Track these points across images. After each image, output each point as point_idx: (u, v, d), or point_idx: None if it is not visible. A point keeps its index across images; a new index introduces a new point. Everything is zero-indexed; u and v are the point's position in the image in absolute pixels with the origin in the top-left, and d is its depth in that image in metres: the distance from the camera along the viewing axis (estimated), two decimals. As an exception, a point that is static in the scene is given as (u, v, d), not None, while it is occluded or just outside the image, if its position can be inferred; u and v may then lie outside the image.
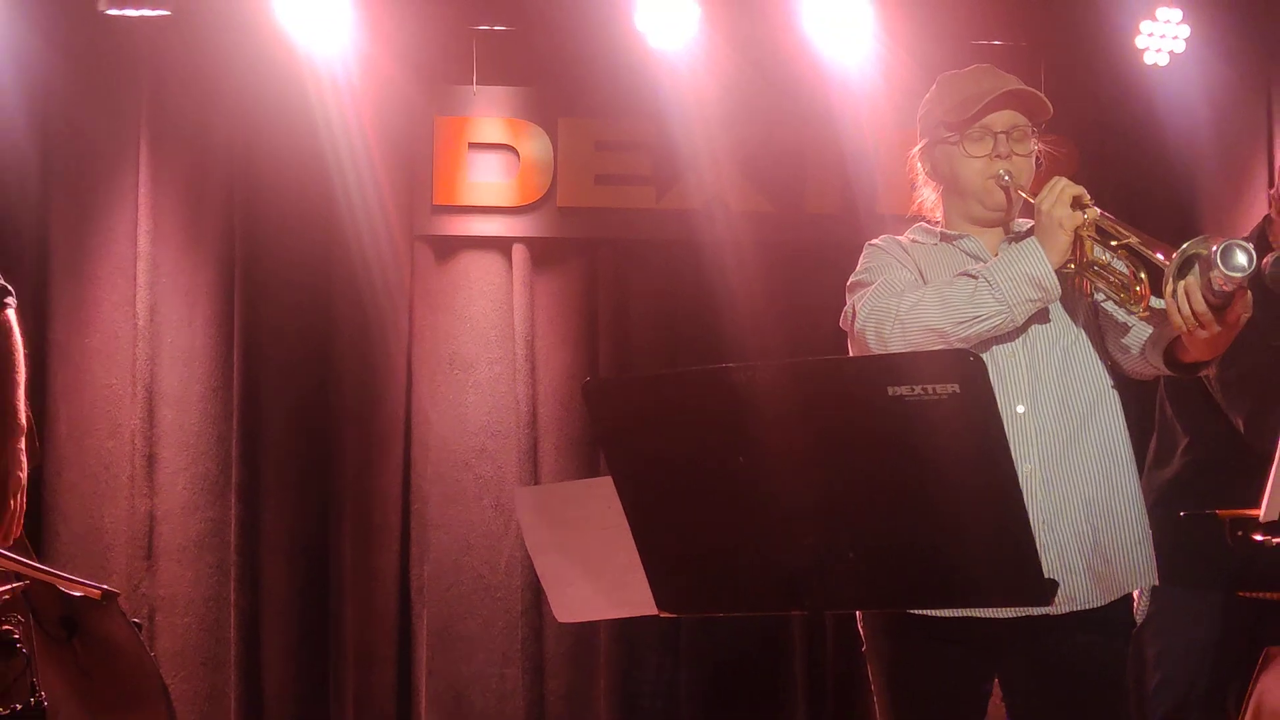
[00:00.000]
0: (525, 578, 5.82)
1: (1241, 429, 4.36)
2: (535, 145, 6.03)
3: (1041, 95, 3.67)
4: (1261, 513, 3.74)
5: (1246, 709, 4.41)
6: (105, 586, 4.32)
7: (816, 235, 5.96)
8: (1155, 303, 3.39)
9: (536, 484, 5.81)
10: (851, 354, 3.66)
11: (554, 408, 6.01)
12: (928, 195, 3.81)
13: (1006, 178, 3.61)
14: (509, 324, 6.02)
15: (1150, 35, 5.88)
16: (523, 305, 6.02)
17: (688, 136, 5.97)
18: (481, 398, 6.00)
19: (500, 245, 6.06)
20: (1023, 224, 3.67)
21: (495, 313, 6.05)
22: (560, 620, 4.15)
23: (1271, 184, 4.63)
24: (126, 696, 4.18)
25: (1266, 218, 4.59)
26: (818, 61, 5.85)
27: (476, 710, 5.89)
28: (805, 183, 6.11)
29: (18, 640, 3.95)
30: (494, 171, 6.05)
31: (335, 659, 5.84)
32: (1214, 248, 3.21)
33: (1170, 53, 5.90)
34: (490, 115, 6.05)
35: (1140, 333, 3.55)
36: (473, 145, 6.04)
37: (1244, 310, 3.32)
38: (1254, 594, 4.51)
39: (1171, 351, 3.51)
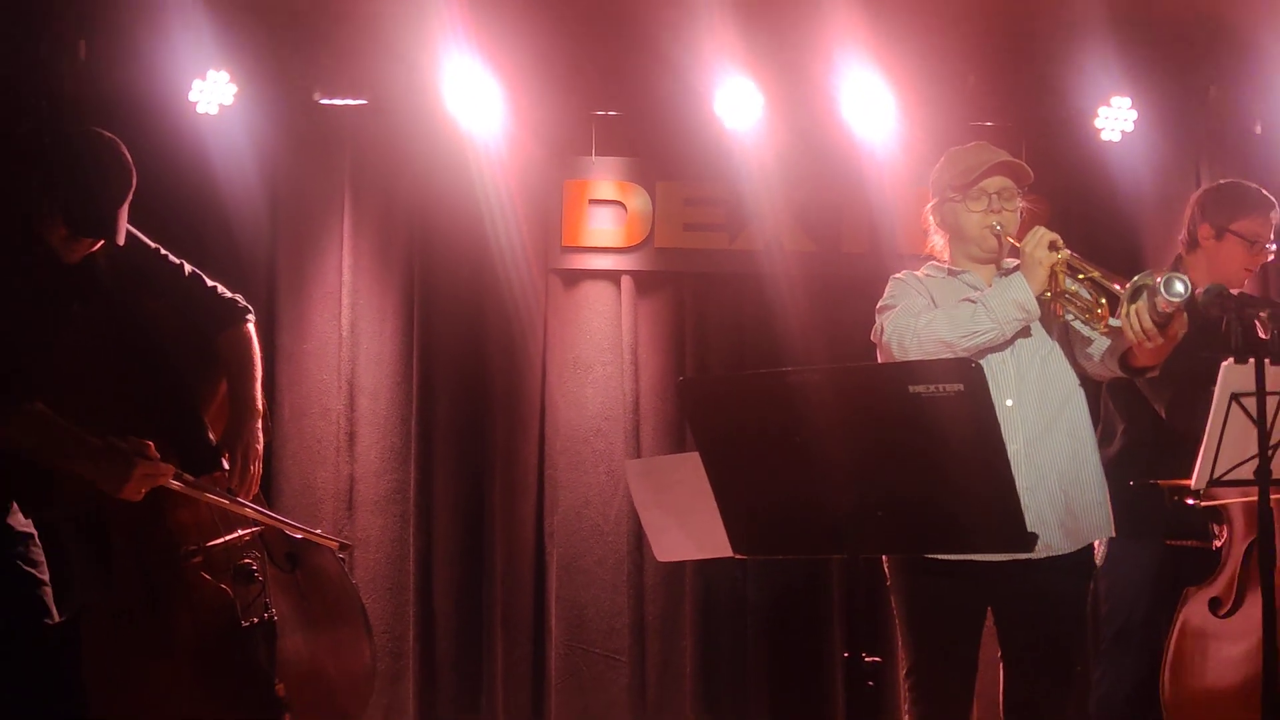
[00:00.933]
0: (630, 526, 5.82)
1: (1164, 414, 4.35)
2: (639, 201, 6.03)
3: (1024, 165, 3.68)
4: (1192, 482, 3.73)
5: (1173, 630, 4.38)
6: (342, 540, 4.38)
7: (850, 269, 5.94)
8: (1113, 322, 3.39)
9: (640, 457, 5.81)
10: (879, 361, 3.66)
11: (652, 399, 6.01)
12: (937, 240, 3.82)
13: (998, 227, 3.62)
14: (618, 335, 6.02)
15: (1106, 118, 5.83)
16: (628, 322, 6.02)
17: (753, 194, 5.96)
18: (597, 391, 6.00)
19: (612, 277, 6.06)
20: (1010, 263, 3.67)
21: (608, 327, 6.05)
22: (659, 559, 4.17)
23: (1182, 232, 4.63)
24: (334, 614, 4.20)
25: (1177, 255, 4.60)
26: (852, 137, 5.84)
27: (592, 626, 5.90)
28: (842, 229, 6.08)
29: (255, 570, 3.98)
30: (608, 221, 6.05)
31: (488, 586, 5.85)
32: (1158, 279, 3.22)
33: (1122, 132, 5.84)
34: (605, 179, 6.05)
35: (1101, 344, 3.54)
36: (592, 201, 6.04)
37: (1181, 327, 3.33)
38: (1179, 542, 4.51)
39: (1125, 358, 3.51)
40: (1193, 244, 4.55)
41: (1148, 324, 3.26)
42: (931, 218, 3.80)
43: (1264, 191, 4.58)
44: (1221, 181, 4.72)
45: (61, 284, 3.97)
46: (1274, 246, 4.52)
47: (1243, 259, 4.47)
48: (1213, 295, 3.48)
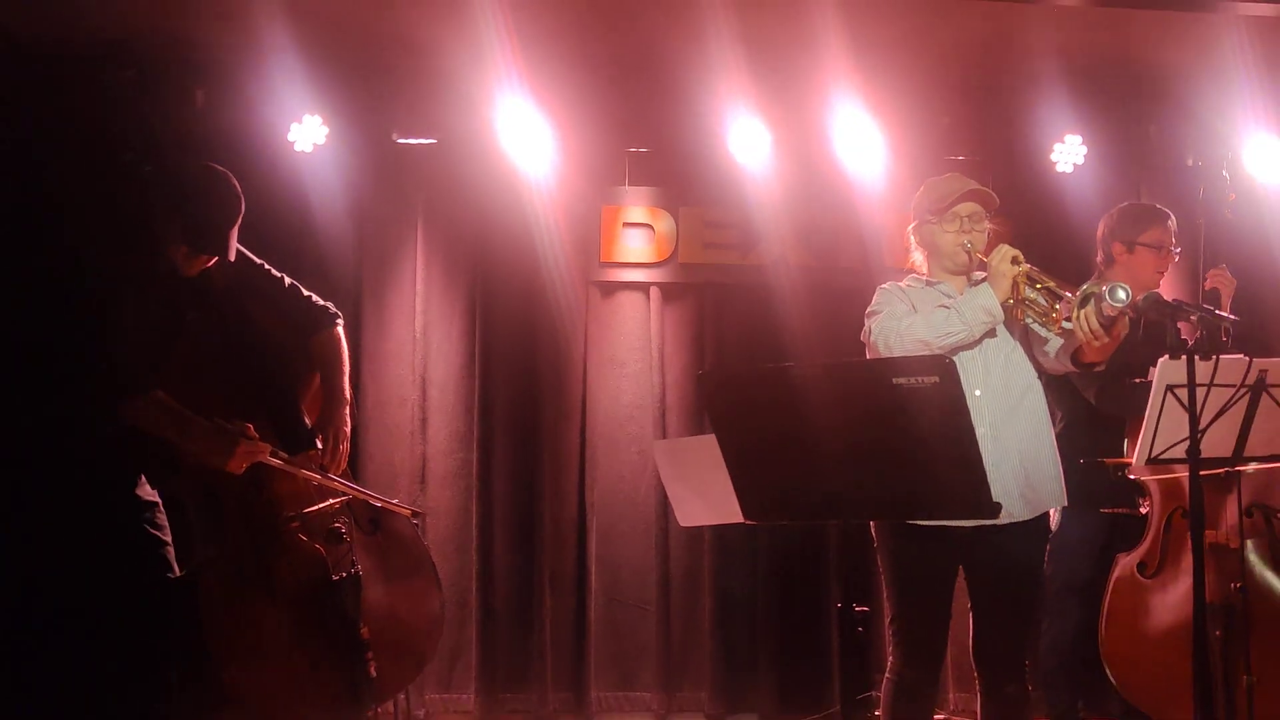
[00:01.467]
0: (658, 498, 5.81)
1: (1093, 401, 4.36)
2: (665, 224, 6.03)
3: (991, 192, 3.67)
4: (1133, 461, 3.73)
5: (1107, 591, 4.41)
6: (415, 509, 4.40)
7: (845, 281, 5.91)
8: (1066, 324, 3.38)
9: (666, 438, 5.82)
10: (868, 357, 3.65)
11: (676, 390, 5.99)
12: (917, 257, 3.81)
13: (969, 245, 3.61)
14: (647, 337, 6.01)
15: (1060, 153, 5.81)
16: (656, 325, 6.01)
17: (762, 217, 5.95)
18: (630, 384, 6.00)
19: (642, 288, 6.05)
20: (978, 275, 3.66)
21: (639, 330, 6.04)
22: (681, 524, 4.15)
23: (1098, 253, 4.66)
24: (409, 569, 4.23)
25: (1098, 274, 4.61)
26: (846, 168, 5.81)
27: (626, 581, 5.90)
28: (838, 247, 6.05)
29: (344, 533, 4.01)
30: (639, 240, 6.04)
31: (538, 547, 5.85)
32: (1104, 288, 3.22)
33: (1074, 164, 5.82)
34: (636, 205, 6.04)
35: (1055, 344, 3.54)
36: (625, 224, 6.03)
37: (1123, 329, 3.33)
38: (1114, 510, 4.53)
39: (1076, 355, 3.50)
40: (1109, 261, 4.58)
41: (1095, 325, 3.26)
42: (912, 237, 3.79)
43: (1159, 206, 4.64)
44: (1122, 205, 4.74)
45: (181, 293, 4.03)
46: (1178, 250, 4.58)
47: (1154, 264, 4.52)
48: (1150, 301, 3.48)
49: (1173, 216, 4.57)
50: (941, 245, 3.65)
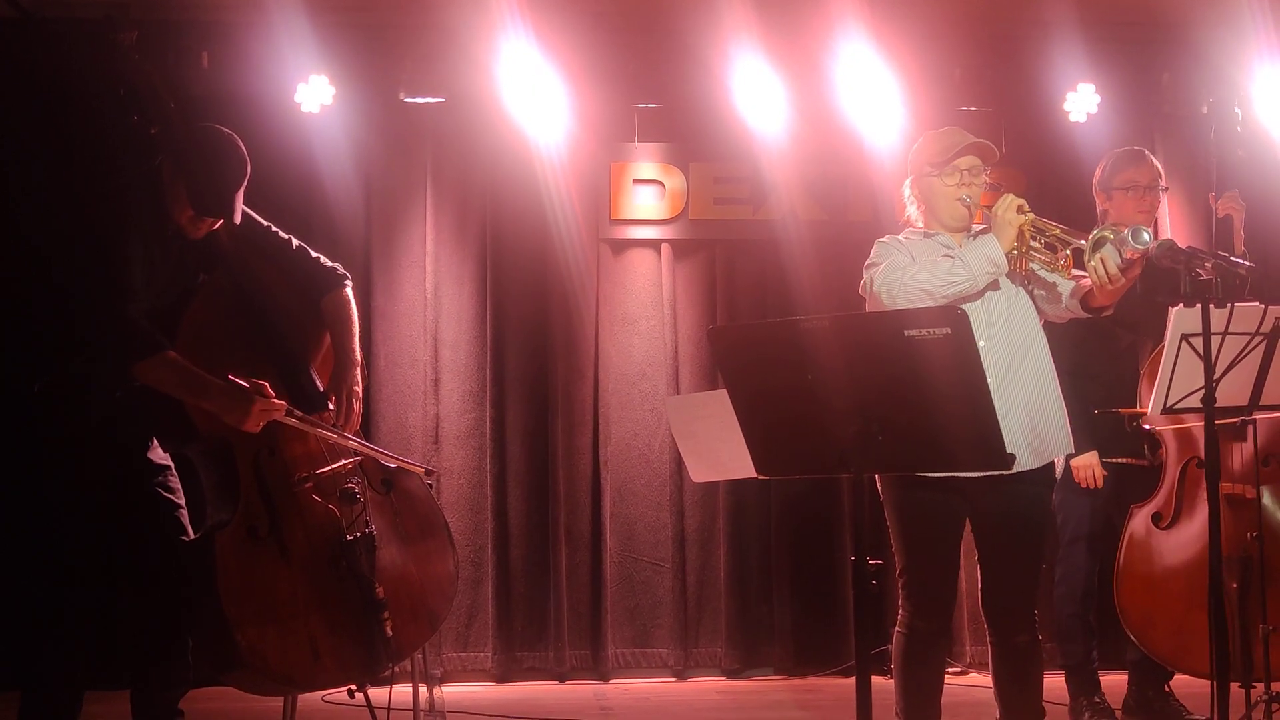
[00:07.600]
0: (671, 454, 5.82)
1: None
2: (675, 180, 6.01)
3: (991, 145, 3.67)
4: (1148, 410, 3.72)
5: (1122, 543, 4.41)
6: (427, 467, 4.42)
7: (855, 235, 5.81)
8: (1077, 271, 3.39)
9: (678, 394, 5.81)
10: (868, 310, 3.64)
11: (689, 347, 6.00)
12: (913, 212, 3.78)
13: (967, 199, 3.60)
14: (659, 294, 6.01)
15: (1073, 102, 5.77)
16: (668, 282, 6.01)
17: (771, 172, 5.94)
18: (643, 340, 6.00)
19: (653, 244, 6.04)
20: (977, 227, 3.66)
21: (650, 287, 6.04)
22: (695, 480, 4.17)
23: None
24: (422, 529, 4.24)
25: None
26: (856, 121, 5.80)
27: (640, 539, 5.92)
28: (847, 201, 6.05)
29: (357, 493, 4.02)
30: (649, 197, 6.03)
31: (553, 505, 5.87)
32: (1125, 231, 3.24)
33: (1087, 114, 5.79)
34: (646, 161, 6.02)
35: (1064, 289, 3.54)
36: (635, 180, 6.02)
37: (1137, 270, 3.33)
38: (1117, 459, 4.51)
39: (1085, 300, 3.49)
40: (1103, 216, 4.57)
41: (1113, 270, 3.28)
42: (908, 191, 3.75)
43: (1135, 148, 4.63)
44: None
45: (190, 256, 4.02)
46: (1164, 187, 4.57)
47: (1134, 205, 4.50)
48: (1165, 249, 3.45)
49: (1148, 154, 4.59)
50: (940, 199, 3.61)
